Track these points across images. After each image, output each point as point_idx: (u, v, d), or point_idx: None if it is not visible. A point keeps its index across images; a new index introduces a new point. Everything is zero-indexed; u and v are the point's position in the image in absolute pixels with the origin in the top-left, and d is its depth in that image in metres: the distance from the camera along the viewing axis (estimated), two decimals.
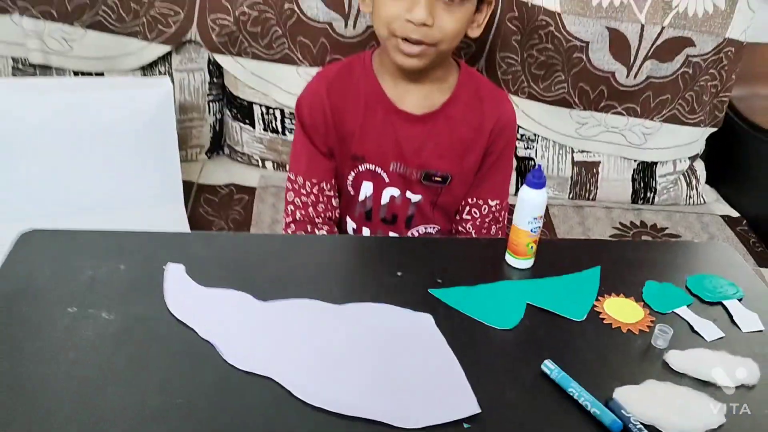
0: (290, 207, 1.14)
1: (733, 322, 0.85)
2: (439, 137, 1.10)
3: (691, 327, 0.83)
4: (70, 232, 0.91)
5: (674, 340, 0.79)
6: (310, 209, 1.13)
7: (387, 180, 1.13)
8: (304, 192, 1.12)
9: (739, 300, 0.88)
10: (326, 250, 0.97)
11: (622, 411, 0.69)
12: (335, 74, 1.11)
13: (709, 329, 0.83)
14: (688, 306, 0.87)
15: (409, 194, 1.14)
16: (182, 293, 0.81)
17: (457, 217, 1.18)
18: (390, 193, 1.14)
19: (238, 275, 0.85)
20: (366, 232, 1.18)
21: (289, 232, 1.15)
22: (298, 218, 1.13)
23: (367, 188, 1.14)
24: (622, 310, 0.85)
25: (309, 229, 1.13)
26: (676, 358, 0.77)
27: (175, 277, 0.83)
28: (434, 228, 1.18)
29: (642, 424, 0.68)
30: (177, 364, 0.71)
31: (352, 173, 1.13)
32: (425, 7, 0.96)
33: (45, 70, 1.55)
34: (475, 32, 1.06)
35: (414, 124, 1.09)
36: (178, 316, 0.77)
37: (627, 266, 0.94)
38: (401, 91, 1.09)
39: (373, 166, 1.12)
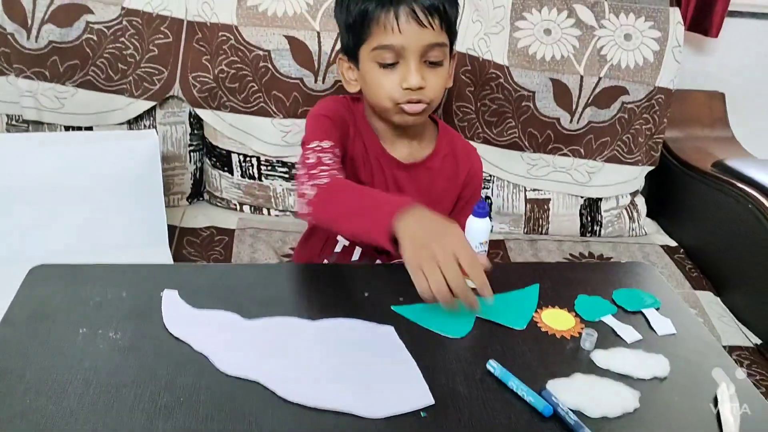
0: (305, 168, 1.08)
1: (650, 327, 0.97)
2: (420, 185, 1.23)
3: (614, 331, 0.95)
4: (75, 266, 1.01)
5: (600, 342, 0.91)
6: (328, 157, 1.09)
7: None
8: (319, 148, 1.10)
9: (657, 309, 1.01)
10: (303, 277, 1.08)
11: (553, 398, 0.81)
12: (345, 102, 1.22)
13: (629, 333, 0.95)
14: (613, 315, 0.99)
15: None
16: (178, 314, 0.92)
17: None
18: None
19: (226, 299, 0.95)
20: (357, 251, 1.28)
21: (311, 186, 1.04)
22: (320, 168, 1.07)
23: None
24: (556, 320, 0.97)
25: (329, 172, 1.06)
26: (600, 357, 0.90)
27: (171, 301, 0.94)
28: None
29: (569, 408, 0.80)
30: (178, 371, 0.81)
31: None
32: (417, 73, 1.08)
33: (37, 125, 1.65)
34: (449, 83, 1.19)
35: (401, 171, 1.22)
36: (175, 333, 0.88)
37: (563, 284, 1.06)
38: (389, 145, 1.22)
39: None
